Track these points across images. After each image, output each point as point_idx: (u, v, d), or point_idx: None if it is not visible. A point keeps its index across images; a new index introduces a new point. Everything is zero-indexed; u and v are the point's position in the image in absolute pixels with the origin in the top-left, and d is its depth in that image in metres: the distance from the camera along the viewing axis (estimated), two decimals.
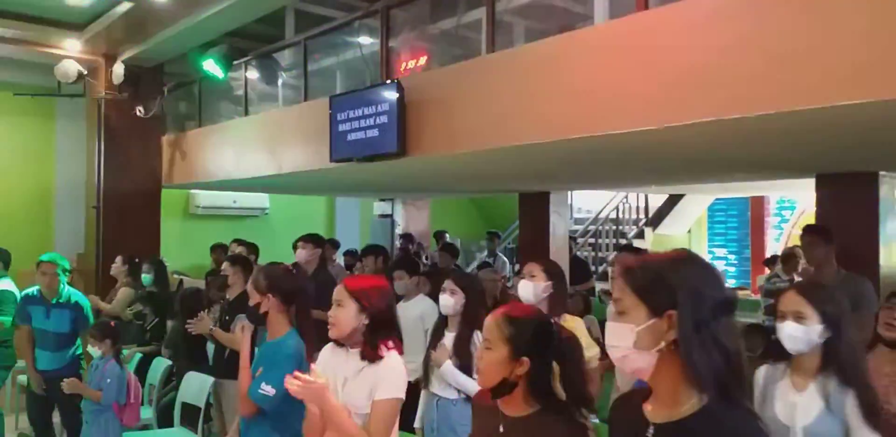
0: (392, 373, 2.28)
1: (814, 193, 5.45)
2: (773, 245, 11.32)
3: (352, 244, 9.01)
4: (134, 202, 7.79)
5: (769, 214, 11.66)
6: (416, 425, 3.43)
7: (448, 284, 3.43)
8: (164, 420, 4.84)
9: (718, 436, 1.26)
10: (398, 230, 10.62)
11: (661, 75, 3.25)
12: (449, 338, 3.40)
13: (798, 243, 8.08)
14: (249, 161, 6.58)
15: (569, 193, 8.66)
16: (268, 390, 2.60)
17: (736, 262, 11.89)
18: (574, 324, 3.17)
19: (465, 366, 3.23)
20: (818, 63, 2.72)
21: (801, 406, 2.25)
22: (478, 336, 3.21)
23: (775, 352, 2.40)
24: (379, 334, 2.32)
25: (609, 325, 1.37)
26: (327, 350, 2.47)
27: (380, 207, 11.22)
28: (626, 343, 1.31)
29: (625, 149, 4.13)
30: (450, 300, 3.38)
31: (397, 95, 4.70)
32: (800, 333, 2.25)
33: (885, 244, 5.13)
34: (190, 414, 4.58)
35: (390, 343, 2.34)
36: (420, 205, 10.70)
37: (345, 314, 2.33)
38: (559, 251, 7.57)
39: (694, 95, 3.12)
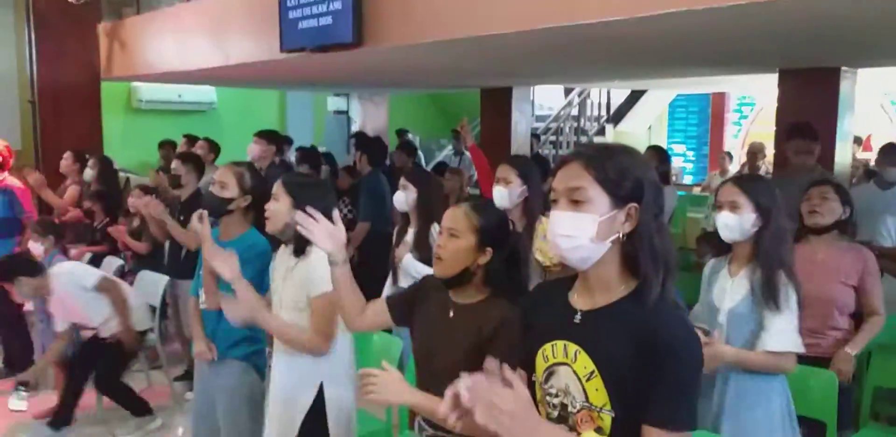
0: (317, 268, 2.33)
1: (773, 89, 5.46)
2: (732, 142, 11.43)
3: (305, 141, 8.73)
4: (72, 96, 7.33)
5: (729, 111, 11.68)
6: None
7: (402, 180, 3.52)
8: None
9: (645, 317, 1.30)
10: (354, 127, 10.32)
11: None
12: (410, 233, 3.48)
13: (755, 139, 8.26)
14: (193, 52, 6.17)
15: (531, 88, 8.48)
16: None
17: (694, 158, 12.03)
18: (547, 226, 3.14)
19: (425, 258, 3.29)
20: None
21: (730, 290, 2.40)
22: (435, 229, 3.27)
23: (716, 244, 2.53)
24: None
25: (564, 214, 1.33)
26: (281, 248, 2.55)
27: (335, 103, 10.83)
28: (586, 234, 1.30)
29: (594, 41, 3.98)
30: (402, 196, 3.47)
31: None
32: (734, 221, 2.35)
33: (843, 140, 5.22)
34: None
35: None
36: (378, 101, 10.33)
37: (279, 208, 2.40)
38: (521, 149, 7.52)
39: None
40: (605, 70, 6.51)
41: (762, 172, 6.85)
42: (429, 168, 8.64)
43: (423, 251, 3.33)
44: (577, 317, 1.38)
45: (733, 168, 8.59)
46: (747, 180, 2.48)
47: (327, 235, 1.94)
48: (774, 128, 5.46)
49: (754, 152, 6.62)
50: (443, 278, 1.89)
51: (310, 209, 1.95)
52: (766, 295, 2.28)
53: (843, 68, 5.08)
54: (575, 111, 10.98)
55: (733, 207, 2.35)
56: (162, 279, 4.45)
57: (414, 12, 4.12)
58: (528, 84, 7.88)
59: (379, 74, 6.53)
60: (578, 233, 1.31)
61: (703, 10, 2.88)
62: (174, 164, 4.65)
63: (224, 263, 2.41)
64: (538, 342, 1.44)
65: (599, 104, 11.28)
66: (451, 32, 3.93)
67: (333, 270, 1.99)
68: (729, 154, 9.19)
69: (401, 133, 9.80)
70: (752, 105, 11.39)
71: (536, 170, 3.27)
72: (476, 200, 2.00)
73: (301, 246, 2.39)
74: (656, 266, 1.32)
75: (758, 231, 2.35)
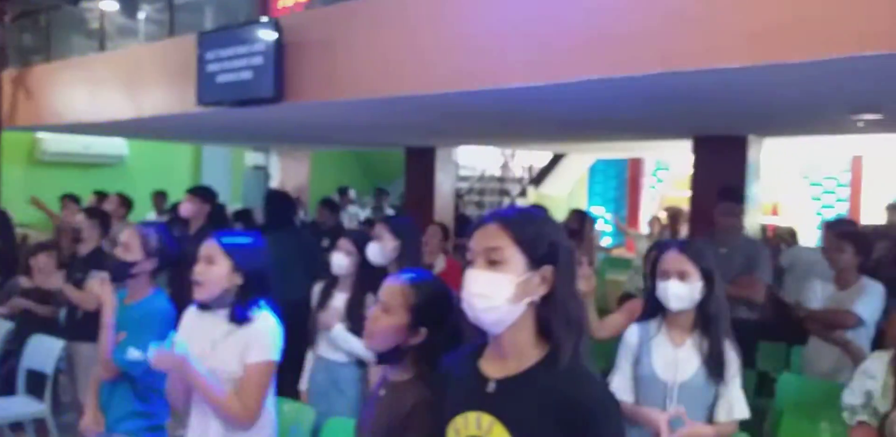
0: (264, 335, 2.18)
1: (688, 155, 5.71)
2: (649, 206, 11.81)
3: (221, 198, 8.46)
4: None
5: (645, 176, 12.13)
6: (302, 387, 3.29)
7: (343, 243, 3.21)
8: (5, 389, 4.37)
9: (563, 383, 1.28)
10: (273, 183, 10.12)
11: (550, 32, 3.15)
12: (339, 299, 3.22)
13: (671, 204, 8.54)
14: (105, 102, 5.96)
15: (455, 149, 8.59)
16: (136, 354, 2.45)
17: (613, 221, 12.34)
18: None
19: (358, 330, 3.05)
20: (705, 26, 2.71)
21: (681, 362, 2.30)
22: (370, 299, 3.07)
23: (648, 310, 2.42)
24: (251, 295, 2.20)
25: (481, 273, 1.30)
26: (191, 313, 2.32)
27: (253, 158, 10.63)
28: (502, 295, 1.29)
29: (512, 105, 4.06)
30: (345, 260, 3.18)
31: (275, 35, 4.35)
32: (685, 291, 2.27)
33: (750, 204, 5.45)
34: (35, 382, 4.16)
35: (261, 304, 2.23)
36: (299, 156, 10.21)
37: (216, 273, 2.18)
38: (445, 208, 7.53)
39: (581, 52, 3.06)
40: (525, 134, 6.65)
41: (682, 235, 7.03)
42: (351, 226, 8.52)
43: (357, 322, 3.04)
44: (491, 386, 1.33)
45: (645, 230, 8.82)
46: (692, 247, 2.37)
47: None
48: (690, 192, 5.68)
49: (674, 216, 6.78)
50: (374, 352, 1.77)
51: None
52: (717, 366, 2.24)
53: (751, 137, 5.40)
54: (499, 172, 11.18)
55: (682, 275, 2.27)
56: (57, 344, 4.10)
57: (336, 70, 4.10)
58: (451, 144, 7.97)
59: (300, 129, 6.47)
60: (494, 293, 1.29)
61: (620, 78, 2.97)
62: (78, 217, 4.41)
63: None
64: (448, 414, 1.38)
65: (522, 166, 11.53)
66: (373, 91, 3.93)
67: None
68: (659, 218, 9.42)
69: (343, 191, 9.70)
70: (668, 170, 11.88)
71: (413, 228, 3.26)
72: (418, 275, 1.83)
73: (243, 313, 2.19)
74: (569, 330, 1.30)
75: (702, 299, 2.28)
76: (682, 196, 10.49)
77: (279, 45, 4.33)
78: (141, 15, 6.38)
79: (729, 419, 2.26)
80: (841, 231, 3.75)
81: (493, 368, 1.36)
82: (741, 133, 5.35)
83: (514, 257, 1.30)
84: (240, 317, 2.18)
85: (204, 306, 2.25)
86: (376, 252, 3.07)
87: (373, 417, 1.77)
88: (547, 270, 1.31)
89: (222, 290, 2.19)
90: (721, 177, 5.29)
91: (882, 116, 4.01)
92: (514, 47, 3.29)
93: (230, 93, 4.62)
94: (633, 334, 2.43)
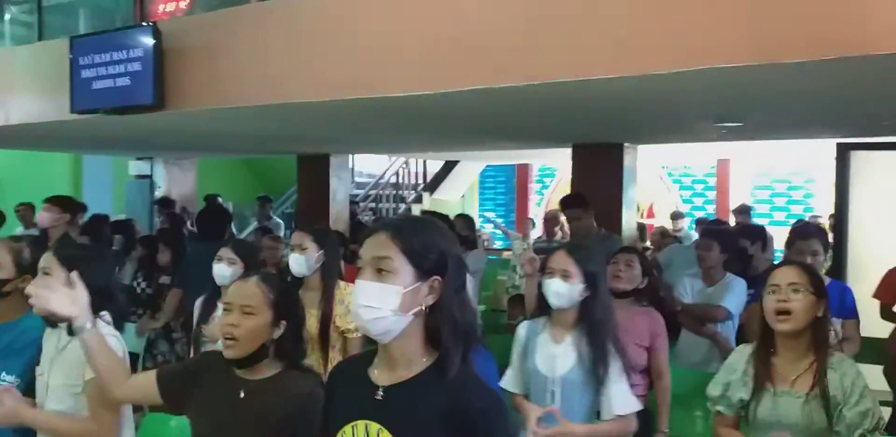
0: None
1: (570, 161, 5.94)
2: (535, 209, 12.21)
3: (103, 209, 8.03)
4: None
5: (532, 181, 12.53)
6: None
7: (225, 252, 3.15)
8: None
9: (450, 389, 1.29)
10: (158, 193, 9.70)
11: (437, 40, 3.21)
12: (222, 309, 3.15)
13: (557, 207, 8.89)
14: None
15: (350, 156, 8.54)
16: (10, 379, 2.30)
17: (503, 225, 12.66)
18: (349, 291, 3.05)
19: None
20: (573, 39, 2.84)
21: (559, 357, 2.42)
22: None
23: (539, 307, 2.55)
24: (92, 308, 2.09)
25: (369, 284, 1.31)
26: (47, 332, 2.24)
27: (137, 167, 10.11)
28: (389, 305, 1.29)
29: (401, 113, 4.10)
30: (227, 270, 3.10)
31: (153, 40, 4.20)
32: (565, 290, 2.39)
33: (628, 208, 5.76)
34: None
35: (106, 316, 2.18)
36: (185, 165, 9.84)
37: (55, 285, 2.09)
38: (340, 216, 7.47)
39: (466, 61, 3.13)
40: (417, 141, 6.71)
41: (558, 238, 7.36)
42: (242, 236, 8.30)
43: None
44: (379, 393, 1.33)
45: (536, 234, 9.13)
46: (578, 250, 2.50)
47: (69, 301, 1.85)
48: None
49: (549, 220, 7.06)
50: (235, 359, 1.75)
51: (72, 275, 1.87)
52: (597, 364, 2.34)
53: (626, 144, 5.71)
54: (394, 179, 11.20)
55: (565, 275, 2.38)
56: None
57: (220, 76, 4.01)
58: (345, 152, 7.91)
59: (184, 138, 6.25)
60: (382, 304, 1.29)
61: (501, 88, 3.07)
62: None
63: None
64: (337, 424, 1.36)
65: (417, 173, 11.61)
66: (258, 99, 3.87)
67: (82, 336, 1.87)
68: (532, 220, 9.78)
69: (210, 198, 9.36)
70: (553, 176, 12.33)
71: (333, 236, 3.22)
72: (262, 273, 1.91)
73: (81, 324, 2.10)
74: (457, 339, 1.31)
75: (585, 300, 2.39)
76: None
77: (159, 51, 4.18)
78: (6, 16, 5.96)
79: (609, 416, 2.35)
80: (708, 230, 4.04)
81: (382, 376, 1.35)
82: (617, 141, 5.63)
83: (403, 267, 1.30)
84: (75, 328, 2.10)
85: (51, 324, 2.19)
86: (300, 263, 3.00)
87: (234, 422, 1.73)
88: (435, 280, 1.31)
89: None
90: (599, 181, 5.59)
91: (743, 123, 4.34)
92: (399, 57, 3.33)
93: (107, 100, 4.41)
94: (522, 329, 2.58)
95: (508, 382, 2.55)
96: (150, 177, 9.79)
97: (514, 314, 4.79)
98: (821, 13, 2.26)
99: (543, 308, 2.51)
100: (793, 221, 8.95)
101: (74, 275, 1.89)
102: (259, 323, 1.75)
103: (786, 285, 2.10)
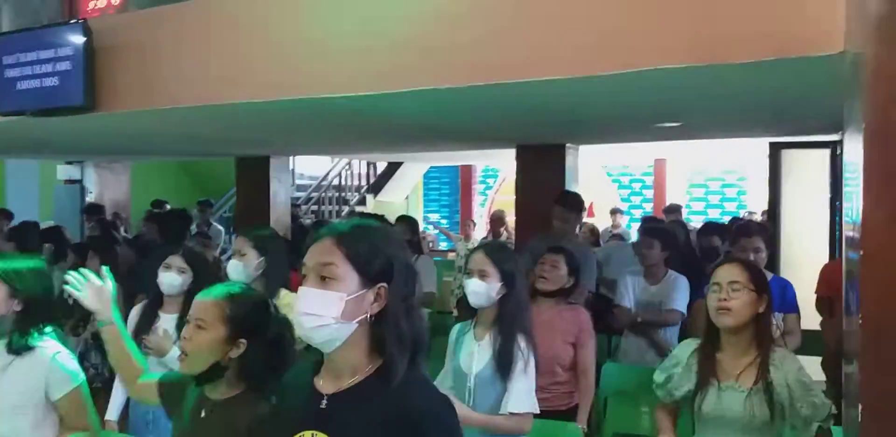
0: (55, 368, 2.15)
1: (514, 162, 6.00)
2: (479, 210, 12.27)
3: (29, 215, 7.68)
4: None
5: (476, 182, 12.60)
6: (111, 417, 3.06)
7: (174, 260, 3.05)
8: None
9: (395, 394, 1.28)
10: (89, 198, 9.34)
11: (380, 39, 3.16)
12: (167, 321, 3.04)
13: (501, 208, 8.98)
14: None
15: (291, 157, 8.40)
16: None
17: (447, 226, 12.68)
18: (287, 300, 3.00)
19: None
20: (522, 40, 2.83)
21: (477, 355, 2.49)
22: None
23: (468, 309, 2.61)
24: (32, 322, 2.13)
25: (311, 291, 1.28)
26: None
27: (66, 171, 9.71)
28: (332, 313, 1.26)
29: (343, 114, 4.05)
30: (177, 279, 3.01)
31: (84, 38, 4.01)
32: (482, 289, 2.47)
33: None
34: None
35: (45, 331, 2.17)
36: (118, 169, 9.51)
37: None
38: (281, 219, 7.35)
39: (412, 61, 3.09)
40: (360, 143, 6.65)
41: (503, 238, 7.44)
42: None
43: None
44: (323, 402, 1.31)
45: (480, 234, 9.19)
46: (495, 250, 2.61)
47: (94, 293, 1.91)
48: (515, 197, 5.99)
49: (495, 220, 7.13)
50: (190, 375, 1.71)
51: (103, 270, 1.94)
52: (502, 360, 2.40)
53: (568, 145, 5.80)
54: (337, 181, 11.08)
55: (482, 275, 2.47)
56: None
57: (155, 76, 3.87)
58: (286, 154, 7.78)
59: (116, 140, 6.04)
60: (325, 312, 1.26)
61: (447, 89, 3.04)
62: None
63: None
64: (285, 434, 1.33)
65: (360, 175, 11.52)
66: (196, 99, 3.75)
67: (104, 328, 1.94)
68: (473, 221, 9.83)
69: (157, 204, 9.09)
70: (496, 176, 12.42)
71: (278, 241, 3.15)
72: (231, 287, 1.84)
73: (22, 342, 2.11)
74: (402, 348, 1.30)
75: (502, 298, 2.48)
76: (510, 200, 11.04)
77: (89, 50, 3.99)
78: None
79: (504, 411, 2.39)
80: (649, 229, 4.12)
81: (327, 384, 1.34)
82: (559, 141, 5.71)
83: (347, 273, 1.28)
84: (16, 346, 2.10)
85: None
86: (238, 270, 2.94)
87: None
88: (381, 287, 1.30)
89: None
90: (543, 182, 5.66)
91: (681, 123, 4.45)
92: (344, 56, 3.27)
93: (34, 101, 4.20)
94: (454, 330, 2.67)
95: (439, 381, 2.61)
96: (80, 182, 9.43)
97: (463, 316, 4.78)
98: (764, 14, 2.31)
99: (472, 310, 2.57)
100: (727, 218, 9.27)
101: (105, 270, 1.94)
102: (209, 339, 1.69)
103: (726, 283, 2.17)
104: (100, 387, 4.41)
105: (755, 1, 2.37)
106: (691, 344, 2.34)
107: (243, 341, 1.70)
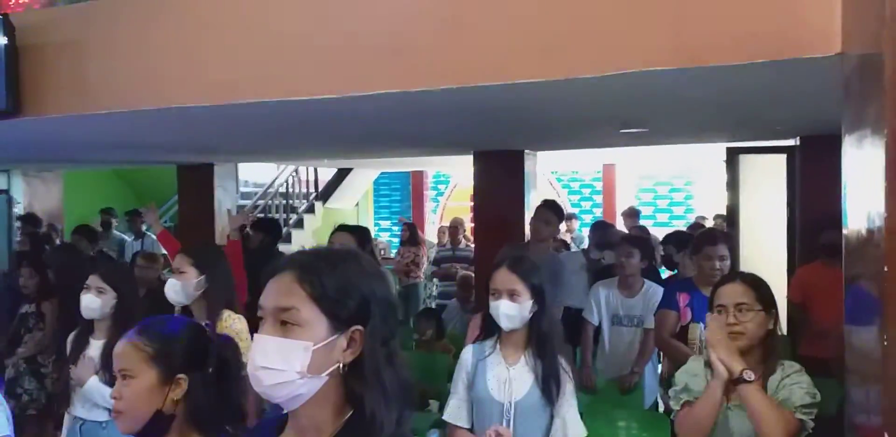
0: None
1: (466, 168, 5.97)
2: (431, 216, 12.12)
3: None
4: None
5: (427, 188, 12.46)
6: None
7: (94, 280, 2.80)
8: None
9: None
10: (18, 209, 8.79)
11: (337, 40, 2.96)
12: (95, 347, 2.80)
13: (455, 215, 8.86)
14: None
15: (235, 164, 8.13)
16: None
17: (399, 233, 12.48)
18: (229, 323, 2.77)
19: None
20: (491, 41, 2.68)
21: (515, 381, 2.26)
22: None
23: (486, 329, 2.38)
24: None
25: (269, 340, 1.04)
26: None
27: None
28: (296, 367, 1.04)
29: (296, 118, 3.84)
30: (96, 301, 2.77)
31: (5, 36, 3.69)
32: (514, 311, 2.24)
33: (529, 211, 5.73)
34: None
35: None
36: (49, 178, 9.02)
37: None
38: (226, 229, 7.02)
39: (379, 64, 2.90)
40: (310, 149, 6.43)
41: (462, 245, 7.37)
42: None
43: None
44: None
45: (431, 240, 9.08)
46: (517, 263, 2.33)
47: None
48: (473, 203, 5.91)
49: (455, 227, 7.05)
50: (132, 434, 1.45)
51: None
52: (549, 385, 2.21)
53: (527, 151, 5.73)
54: (284, 188, 10.78)
55: (513, 295, 2.24)
56: None
57: (88, 78, 3.59)
58: (229, 161, 7.51)
59: (46, 148, 5.68)
60: (286, 365, 1.04)
61: (405, 93, 2.86)
62: None
63: None
64: None
65: (308, 181, 11.22)
66: (134, 103, 3.49)
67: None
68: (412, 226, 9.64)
69: (105, 212, 8.64)
70: (447, 182, 12.30)
71: (219, 258, 2.96)
72: (147, 321, 1.59)
73: None
74: (387, 402, 1.07)
75: (533, 316, 2.27)
76: (462, 206, 10.98)
77: (12, 49, 3.67)
78: None
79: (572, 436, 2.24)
80: (629, 237, 4.00)
81: None
82: (518, 148, 5.66)
83: (313, 317, 1.06)
84: None
85: None
86: (176, 289, 2.74)
87: None
88: (356, 331, 1.07)
89: None
90: (501, 188, 5.64)
91: (648, 129, 4.35)
92: (307, 57, 3.05)
93: None
94: (468, 354, 2.37)
95: (453, 414, 2.33)
96: (6, 192, 8.89)
97: (422, 330, 4.63)
98: (756, 15, 2.21)
99: (490, 330, 2.33)
100: (676, 222, 9.33)
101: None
102: (140, 387, 1.44)
103: (733, 305, 2.03)
104: (34, 414, 4.08)
105: (749, 1, 2.26)
106: (698, 360, 2.20)
107: (182, 376, 1.46)
